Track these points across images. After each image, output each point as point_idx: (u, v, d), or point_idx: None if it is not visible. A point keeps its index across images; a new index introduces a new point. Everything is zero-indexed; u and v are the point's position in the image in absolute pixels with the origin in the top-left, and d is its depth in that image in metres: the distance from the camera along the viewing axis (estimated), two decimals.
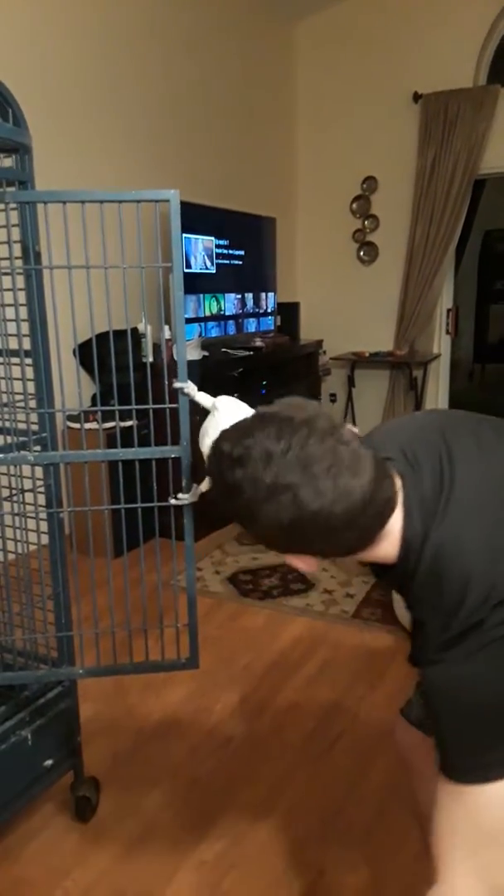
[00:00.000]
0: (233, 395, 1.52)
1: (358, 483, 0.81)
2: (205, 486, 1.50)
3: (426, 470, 0.91)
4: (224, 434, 0.88)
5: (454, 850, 0.86)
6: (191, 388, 1.42)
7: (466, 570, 0.85)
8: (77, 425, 3.07)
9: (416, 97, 4.92)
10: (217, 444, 0.88)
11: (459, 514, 0.88)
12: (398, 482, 0.90)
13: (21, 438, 1.48)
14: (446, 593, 0.86)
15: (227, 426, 1.29)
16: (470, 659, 0.85)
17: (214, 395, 1.48)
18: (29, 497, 1.58)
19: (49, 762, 1.66)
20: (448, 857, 0.86)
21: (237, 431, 0.86)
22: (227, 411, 1.40)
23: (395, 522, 0.89)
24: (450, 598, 0.86)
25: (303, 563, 0.93)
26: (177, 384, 1.42)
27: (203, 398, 1.44)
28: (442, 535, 0.87)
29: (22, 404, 1.50)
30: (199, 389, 1.48)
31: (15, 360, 1.49)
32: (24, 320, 1.46)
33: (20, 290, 1.44)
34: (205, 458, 1.41)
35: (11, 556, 1.63)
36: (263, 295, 4.74)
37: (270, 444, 0.82)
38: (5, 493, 1.63)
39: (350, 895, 1.56)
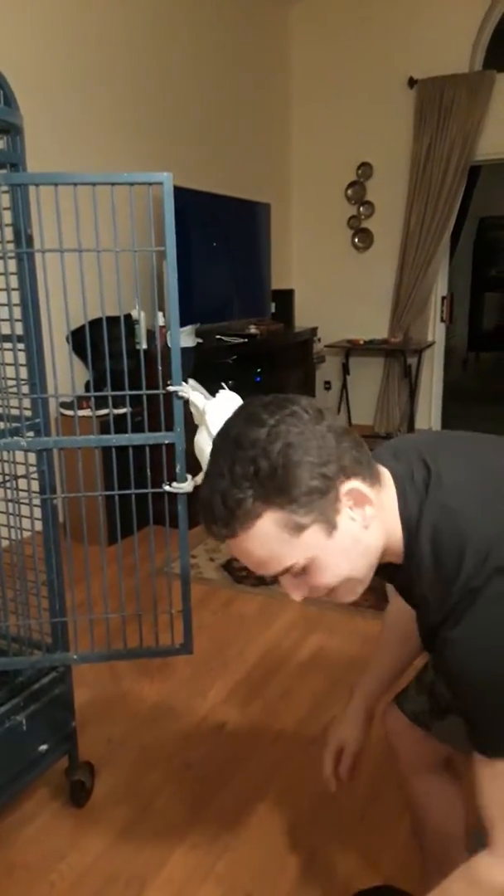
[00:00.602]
0: (227, 382, 1.52)
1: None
2: (201, 477, 1.50)
3: (413, 460, 0.95)
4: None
5: None
6: (186, 389, 1.42)
7: (461, 535, 0.86)
8: (70, 412, 3.06)
9: (412, 82, 4.88)
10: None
11: (449, 487, 0.90)
12: (386, 472, 0.93)
13: (14, 424, 1.47)
14: (446, 564, 0.87)
15: (214, 428, 1.28)
16: (480, 630, 0.84)
17: (209, 383, 1.48)
18: (22, 483, 1.58)
19: (44, 747, 1.66)
20: (501, 826, 0.87)
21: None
22: (215, 419, 1.39)
23: (392, 509, 0.91)
24: (448, 566, 0.86)
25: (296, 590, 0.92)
26: (171, 387, 1.42)
27: (197, 398, 1.44)
28: (434, 509, 0.89)
29: (14, 390, 1.49)
30: (193, 377, 1.48)
31: (7, 345, 1.48)
32: (16, 305, 1.45)
33: (12, 274, 1.42)
34: (202, 463, 1.41)
35: (5, 543, 1.62)
36: (257, 281, 4.72)
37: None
38: None
39: (342, 876, 1.57)
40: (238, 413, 0.89)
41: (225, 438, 0.87)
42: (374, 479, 0.90)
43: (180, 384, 1.43)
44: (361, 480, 0.87)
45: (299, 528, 0.84)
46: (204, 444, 1.41)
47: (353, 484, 0.86)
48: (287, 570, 0.87)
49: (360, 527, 0.88)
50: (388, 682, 1.32)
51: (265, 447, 0.82)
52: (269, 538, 0.84)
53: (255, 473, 0.82)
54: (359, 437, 0.91)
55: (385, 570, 0.97)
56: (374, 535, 0.90)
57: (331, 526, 0.85)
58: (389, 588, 1.27)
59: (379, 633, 1.37)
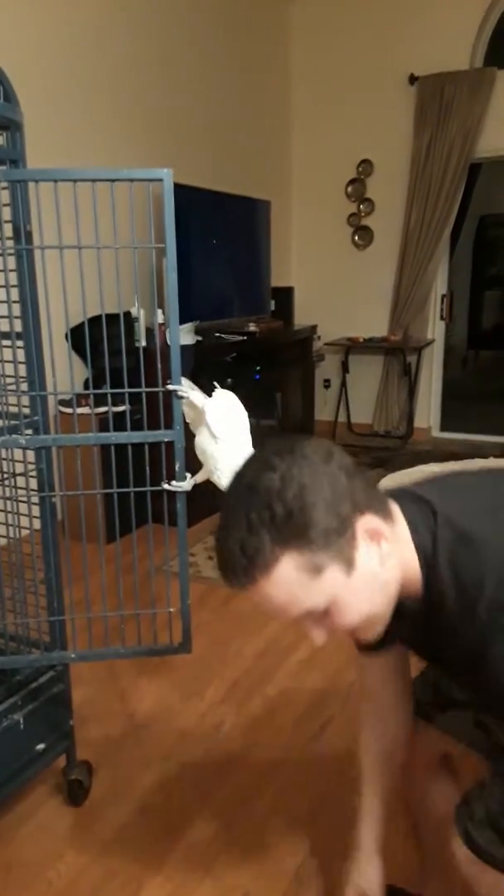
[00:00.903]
0: (226, 380, 1.51)
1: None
2: (200, 476, 1.50)
3: (416, 496, 0.98)
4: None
5: None
6: (184, 389, 1.42)
7: (478, 556, 0.88)
8: (69, 410, 3.05)
9: (412, 79, 4.87)
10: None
11: (456, 513, 0.93)
12: (396, 507, 0.95)
13: (13, 422, 1.47)
14: (468, 588, 0.88)
15: (215, 427, 1.28)
16: None
17: (208, 381, 1.47)
18: (21, 481, 1.57)
19: (41, 746, 1.66)
20: None
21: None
22: (215, 416, 1.39)
23: (406, 541, 0.93)
24: (471, 589, 0.88)
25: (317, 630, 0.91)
26: (171, 386, 1.42)
27: (197, 398, 1.43)
28: (446, 537, 0.91)
29: (13, 387, 1.49)
30: (193, 375, 1.47)
31: (6, 342, 1.47)
32: (15, 302, 1.44)
33: (11, 271, 1.42)
34: (204, 463, 1.41)
35: (3, 541, 1.62)
36: (257, 279, 4.70)
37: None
38: None
39: (340, 875, 1.57)
40: (249, 460, 0.90)
41: (238, 487, 0.88)
42: (386, 514, 0.91)
43: (180, 383, 1.43)
44: (376, 516, 0.88)
45: (318, 570, 0.84)
46: (206, 444, 1.40)
47: (369, 520, 0.87)
48: (308, 614, 0.87)
49: (378, 562, 0.88)
50: (385, 816, 1.30)
51: (279, 491, 0.82)
52: (288, 582, 0.84)
53: (271, 518, 0.82)
54: (368, 475, 0.92)
55: (395, 618, 0.97)
56: (391, 569, 0.90)
57: (349, 564, 0.86)
58: (366, 674, 1.27)
59: (360, 743, 1.33)
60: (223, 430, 1.38)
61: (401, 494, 0.98)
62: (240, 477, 0.89)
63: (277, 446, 0.88)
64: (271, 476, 0.83)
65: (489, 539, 0.89)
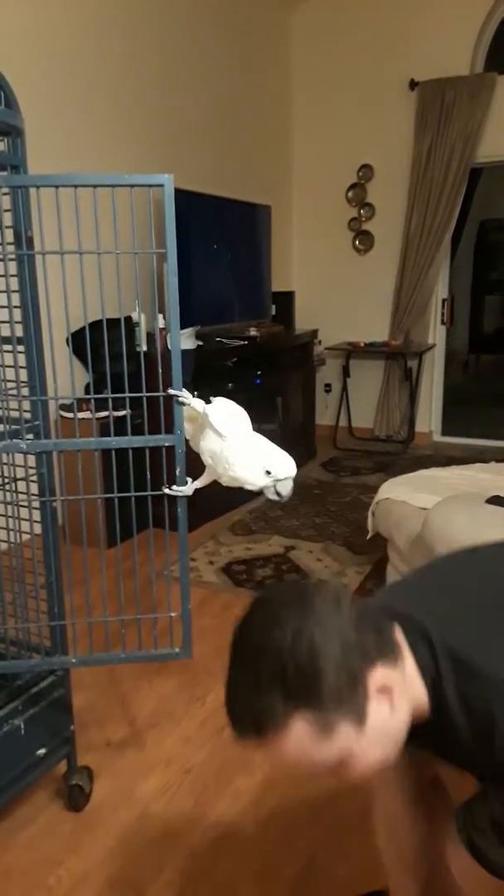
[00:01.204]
0: (227, 385, 1.52)
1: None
2: (201, 481, 1.50)
3: (410, 617, 0.98)
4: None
5: None
6: (185, 395, 1.42)
7: (484, 691, 0.89)
8: (70, 415, 3.05)
9: (413, 84, 4.89)
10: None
11: (453, 638, 0.94)
12: (401, 638, 0.95)
13: (13, 426, 1.47)
14: (478, 721, 0.89)
15: (220, 426, 1.29)
16: None
17: (209, 385, 1.48)
18: (22, 486, 1.57)
19: (42, 751, 1.65)
20: None
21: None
22: (218, 417, 1.40)
23: (413, 674, 0.93)
24: (482, 725, 0.88)
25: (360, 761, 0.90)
26: (172, 391, 1.42)
27: (197, 404, 1.44)
28: (448, 666, 0.92)
29: (14, 392, 1.49)
30: (194, 379, 1.47)
31: (7, 347, 1.47)
32: (16, 307, 1.45)
33: (12, 276, 1.42)
34: (213, 467, 1.41)
35: (4, 546, 1.62)
36: (258, 284, 4.71)
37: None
38: None
39: (341, 882, 1.56)
40: (257, 613, 0.90)
41: (247, 644, 0.88)
42: (396, 656, 0.91)
43: (180, 389, 1.43)
44: (385, 665, 0.89)
45: (330, 728, 0.84)
46: (213, 445, 1.41)
47: (379, 672, 0.87)
48: (321, 767, 0.88)
49: (389, 714, 0.89)
50: None
51: (290, 651, 0.83)
52: (301, 740, 0.85)
53: (282, 679, 0.83)
54: (375, 615, 0.92)
55: (412, 735, 0.96)
56: (402, 712, 0.91)
57: (361, 720, 0.86)
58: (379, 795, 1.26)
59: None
60: (228, 428, 1.39)
61: (402, 618, 0.97)
62: (248, 630, 0.89)
63: (285, 597, 0.89)
64: (281, 633, 0.84)
65: (490, 674, 0.90)
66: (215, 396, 1.48)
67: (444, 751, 1.01)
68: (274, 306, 4.92)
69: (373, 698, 0.87)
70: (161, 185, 1.34)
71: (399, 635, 0.95)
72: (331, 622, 0.85)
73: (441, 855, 1.20)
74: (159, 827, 1.72)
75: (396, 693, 0.89)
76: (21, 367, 1.47)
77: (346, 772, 0.90)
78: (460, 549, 1.23)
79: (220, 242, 4.21)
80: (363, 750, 0.88)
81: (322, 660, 0.83)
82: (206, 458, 1.43)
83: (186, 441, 1.50)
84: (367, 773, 0.91)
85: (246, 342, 4.13)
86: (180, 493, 1.48)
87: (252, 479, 1.37)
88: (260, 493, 1.40)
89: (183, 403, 1.43)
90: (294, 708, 0.83)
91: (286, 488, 1.37)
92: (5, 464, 1.59)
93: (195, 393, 1.47)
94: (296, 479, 1.39)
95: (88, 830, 1.71)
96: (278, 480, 1.36)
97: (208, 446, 1.42)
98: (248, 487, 1.39)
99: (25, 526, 1.59)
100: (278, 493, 1.37)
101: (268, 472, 1.36)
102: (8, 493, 1.59)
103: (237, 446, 1.38)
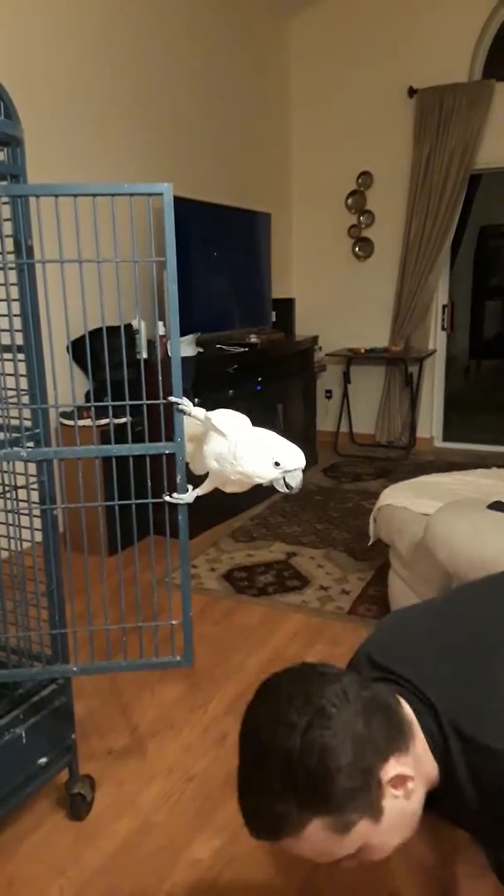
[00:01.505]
0: (228, 392, 1.52)
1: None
2: (202, 489, 1.50)
3: (422, 686, 0.97)
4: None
5: None
6: (186, 403, 1.43)
7: (495, 765, 0.88)
8: (71, 422, 3.05)
9: (412, 92, 4.91)
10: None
11: (462, 710, 0.93)
12: (409, 712, 0.94)
13: (14, 434, 1.47)
14: (492, 796, 0.88)
15: (222, 427, 1.28)
16: None
17: (210, 391, 1.48)
18: (22, 494, 1.57)
19: (43, 760, 1.65)
20: None
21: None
22: (220, 419, 1.40)
23: (424, 750, 0.93)
24: (496, 799, 0.87)
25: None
26: (172, 399, 1.42)
27: (198, 412, 1.44)
28: (457, 744, 0.91)
29: (15, 400, 1.49)
30: (194, 386, 1.48)
31: (7, 355, 1.47)
32: (16, 315, 1.45)
33: (12, 284, 1.42)
34: (213, 466, 1.41)
35: (5, 554, 1.62)
36: (258, 291, 4.72)
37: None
38: None
39: (347, 890, 1.56)
40: (263, 707, 0.90)
41: (254, 743, 0.88)
42: (407, 739, 0.91)
43: (181, 397, 1.43)
44: (398, 757, 0.88)
45: (346, 827, 0.84)
46: (218, 447, 1.40)
47: (392, 767, 0.87)
48: (341, 857, 0.88)
49: (404, 800, 0.88)
50: None
51: (300, 758, 0.82)
52: (317, 841, 0.84)
53: (293, 785, 0.82)
54: (382, 695, 0.91)
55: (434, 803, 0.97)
56: (417, 795, 0.91)
57: (377, 814, 0.86)
58: None
59: None
60: (230, 428, 1.39)
61: (408, 688, 0.97)
62: (254, 726, 0.89)
63: (290, 690, 0.88)
64: (290, 738, 0.83)
65: (498, 750, 0.89)
66: (217, 403, 1.48)
67: (450, 812, 1.00)
68: (274, 313, 4.93)
69: (387, 792, 0.86)
70: (161, 194, 1.35)
71: (406, 708, 0.95)
72: (340, 719, 0.84)
73: (456, 880, 1.20)
74: (161, 836, 1.71)
75: (410, 781, 0.88)
76: (21, 376, 1.47)
77: (366, 856, 0.90)
78: (468, 587, 1.21)
79: (220, 250, 4.22)
80: (380, 839, 0.88)
81: (333, 762, 0.81)
82: (212, 462, 1.43)
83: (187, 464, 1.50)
84: (386, 856, 0.91)
85: (246, 349, 4.14)
86: (181, 502, 1.48)
87: (261, 471, 1.36)
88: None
89: (183, 412, 1.44)
90: (309, 815, 0.82)
91: (296, 479, 1.36)
92: (6, 472, 1.59)
93: (196, 401, 1.47)
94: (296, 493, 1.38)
95: (90, 839, 1.70)
96: (287, 472, 1.35)
97: (213, 449, 1.42)
98: (258, 481, 1.38)
99: (26, 534, 1.59)
100: (288, 485, 1.36)
101: (276, 464, 1.35)
102: (9, 501, 1.59)
103: (244, 441, 1.38)
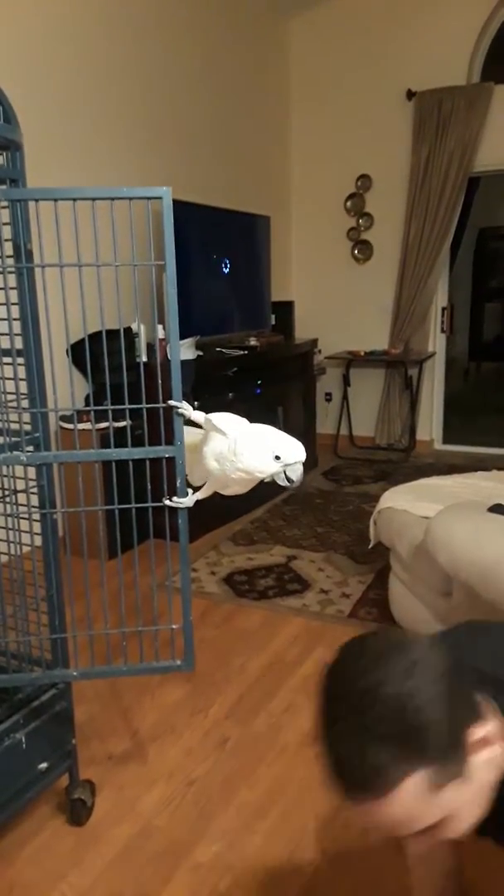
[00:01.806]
0: (227, 395, 1.52)
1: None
2: (202, 493, 1.50)
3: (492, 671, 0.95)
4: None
5: None
6: (185, 407, 1.43)
7: None
8: (70, 426, 3.05)
9: (410, 95, 4.91)
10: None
11: None
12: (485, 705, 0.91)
13: (13, 439, 1.47)
14: None
15: (223, 426, 1.28)
16: None
17: (210, 394, 1.48)
18: (22, 498, 1.57)
19: (44, 765, 1.64)
20: None
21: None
22: (220, 418, 1.40)
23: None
24: None
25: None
26: (172, 402, 1.42)
27: (197, 416, 1.44)
28: None
29: (14, 404, 1.49)
30: (194, 389, 1.47)
31: (7, 359, 1.47)
32: (16, 319, 1.45)
33: (12, 288, 1.42)
34: (215, 466, 1.41)
35: (5, 558, 1.61)
36: (257, 294, 4.72)
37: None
38: None
39: (346, 894, 1.55)
40: (355, 656, 0.87)
41: (350, 686, 0.84)
42: (496, 707, 0.89)
43: (181, 400, 1.43)
44: (487, 720, 0.86)
45: (439, 787, 0.82)
46: (219, 447, 1.40)
47: (483, 728, 0.85)
48: (421, 829, 0.85)
49: (488, 766, 0.86)
50: None
51: (403, 707, 0.79)
52: (410, 800, 0.81)
53: (394, 735, 0.79)
54: (470, 666, 0.90)
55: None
56: (499, 763, 0.88)
57: (467, 778, 0.84)
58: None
59: None
60: (230, 426, 1.39)
61: (479, 677, 0.93)
62: (348, 671, 0.85)
63: (382, 644, 0.86)
64: (392, 686, 0.80)
65: None
66: (216, 406, 1.48)
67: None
68: (274, 316, 4.93)
69: (475, 755, 0.85)
70: (160, 198, 1.35)
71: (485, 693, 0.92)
72: (436, 674, 0.82)
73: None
74: (162, 840, 1.71)
75: (499, 746, 0.87)
76: (21, 379, 1.47)
77: (443, 831, 0.87)
78: None
79: (219, 253, 4.22)
80: (466, 808, 0.86)
81: (434, 719, 0.80)
82: (212, 462, 1.42)
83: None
84: (465, 832, 0.88)
85: (246, 352, 4.14)
86: (181, 505, 1.48)
87: (262, 466, 1.36)
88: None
89: (183, 416, 1.44)
90: (407, 768, 0.80)
91: (296, 473, 1.37)
92: (5, 476, 1.59)
93: (196, 404, 1.47)
94: (297, 488, 1.38)
95: (91, 844, 1.69)
96: (288, 465, 1.36)
97: (213, 449, 1.42)
98: (259, 476, 1.38)
99: (26, 538, 1.59)
100: (289, 479, 1.36)
101: (277, 458, 1.35)
102: (8, 506, 1.59)
103: (244, 436, 1.38)
